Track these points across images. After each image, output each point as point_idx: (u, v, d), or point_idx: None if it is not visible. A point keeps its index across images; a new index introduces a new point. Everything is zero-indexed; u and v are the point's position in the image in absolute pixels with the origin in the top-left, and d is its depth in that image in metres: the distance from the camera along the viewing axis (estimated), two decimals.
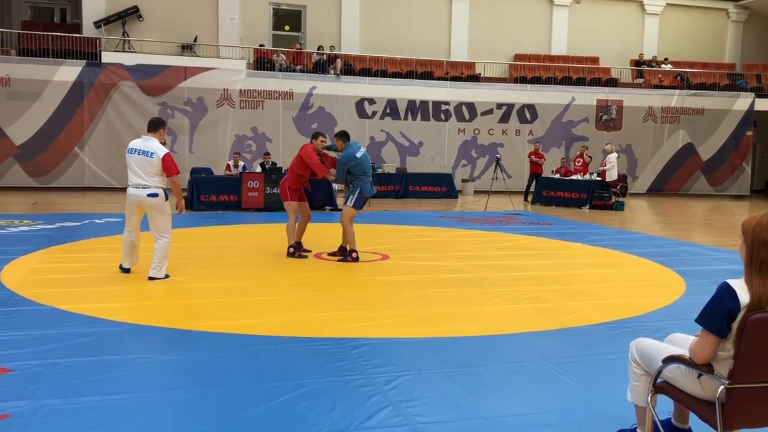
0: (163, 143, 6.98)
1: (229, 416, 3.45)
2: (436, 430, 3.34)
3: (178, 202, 7.11)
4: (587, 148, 19.22)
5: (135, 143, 6.81)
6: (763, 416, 2.73)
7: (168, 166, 6.72)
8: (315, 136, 8.66)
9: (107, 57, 18.92)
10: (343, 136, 8.45)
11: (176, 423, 3.36)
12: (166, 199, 6.80)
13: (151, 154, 6.67)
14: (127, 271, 7.08)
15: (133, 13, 20.19)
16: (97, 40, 19.52)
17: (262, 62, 20.79)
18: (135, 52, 19.61)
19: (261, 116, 20.25)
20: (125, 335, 4.88)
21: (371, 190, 8.42)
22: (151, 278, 6.76)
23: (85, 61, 18.73)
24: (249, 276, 7.16)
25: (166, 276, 6.86)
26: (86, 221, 11.50)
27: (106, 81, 18.77)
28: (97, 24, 19.93)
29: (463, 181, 21.43)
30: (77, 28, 20.54)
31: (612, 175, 17.06)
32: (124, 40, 19.91)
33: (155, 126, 6.87)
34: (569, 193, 17.61)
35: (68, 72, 18.52)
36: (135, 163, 6.71)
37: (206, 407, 3.56)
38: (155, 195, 6.69)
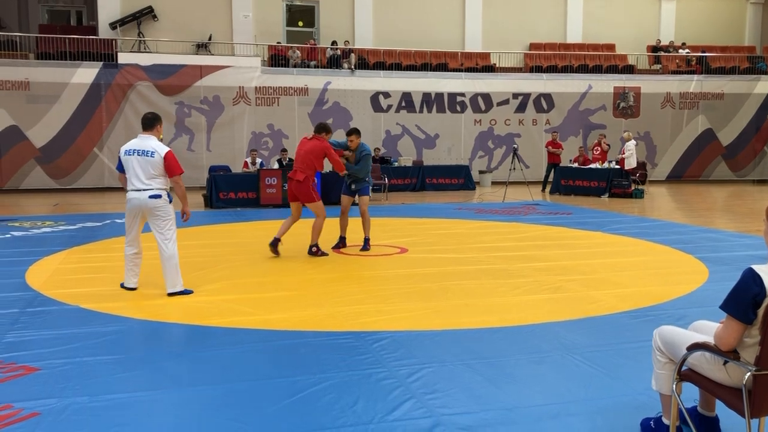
0: (161, 140, 6.32)
1: (254, 411, 3.48)
2: (460, 421, 3.35)
3: (184, 208, 6.34)
4: (605, 136, 19.05)
5: (131, 144, 6.18)
6: None
7: (171, 165, 6.11)
8: (328, 130, 8.36)
9: (123, 58, 19.08)
10: (359, 133, 8.73)
11: (202, 418, 3.39)
12: (170, 202, 6.24)
13: (152, 153, 6.07)
14: (132, 289, 6.36)
15: (148, 13, 20.33)
16: (113, 41, 19.69)
17: (277, 59, 20.85)
18: (150, 52, 19.75)
19: (277, 113, 20.32)
20: (149, 333, 4.94)
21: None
22: (170, 294, 6.13)
23: (101, 63, 18.90)
24: (269, 272, 7.20)
25: (188, 291, 6.23)
26: (107, 221, 11.63)
27: (122, 82, 18.93)
28: (113, 25, 20.10)
29: (481, 172, 21.34)
30: (93, 30, 20.74)
31: (631, 163, 16.90)
32: (140, 41, 20.05)
33: (151, 123, 6.22)
34: (588, 182, 17.48)
35: (86, 74, 18.70)
36: (135, 165, 6.08)
37: (231, 402, 3.59)
38: (157, 196, 6.09)
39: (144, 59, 19.21)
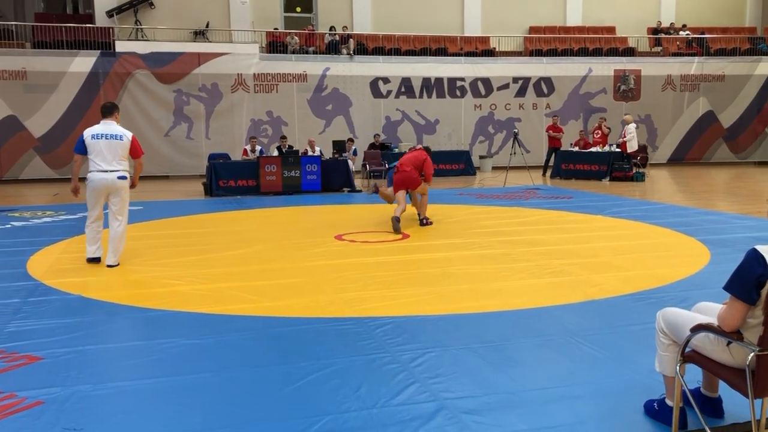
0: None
1: (258, 397, 3.48)
2: (464, 405, 3.35)
3: (134, 179, 7.05)
4: (605, 120, 18.98)
5: (97, 129, 6.78)
6: None
7: (136, 148, 6.87)
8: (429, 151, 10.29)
9: (121, 46, 18.99)
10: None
11: (206, 405, 3.40)
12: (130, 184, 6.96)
13: (121, 137, 6.75)
14: (97, 260, 6.91)
15: (145, 1, 20.20)
16: (110, 30, 19.58)
17: (275, 45, 20.74)
18: (148, 40, 19.65)
19: (276, 100, 20.25)
20: (152, 320, 4.94)
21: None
22: (110, 266, 6.73)
23: (99, 51, 18.81)
24: (271, 259, 7.20)
25: (89, 256, 6.90)
26: (106, 210, 11.58)
27: (120, 70, 18.85)
28: (110, 13, 19.99)
29: (481, 157, 21.29)
30: (90, 18, 20.62)
31: (632, 146, 16.85)
32: (137, 29, 19.94)
33: (110, 110, 6.89)
34: (589, 166, 17.44)
35: (83, 63, 18.63)
36: (104, 149, 6.66)
37: (235, 389, 3.60)
38: (124, 177, 6.79)
39: (141, 47, 19.12)
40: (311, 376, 3.74)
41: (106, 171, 6.68)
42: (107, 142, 6.68)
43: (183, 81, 19.40)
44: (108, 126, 6.78)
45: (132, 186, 7.04)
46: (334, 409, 3.33)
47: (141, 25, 20.05)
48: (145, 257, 7.37)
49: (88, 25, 19.59)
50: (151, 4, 20.34)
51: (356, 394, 3.49)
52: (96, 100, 18.69)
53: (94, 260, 6.95)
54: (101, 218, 6.94)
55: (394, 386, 3.60)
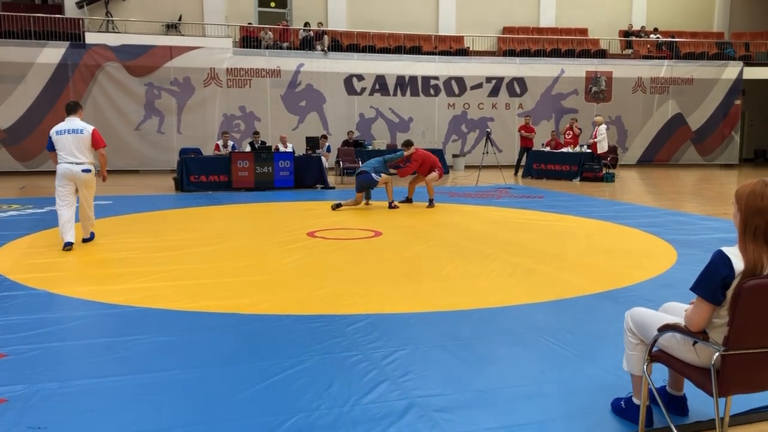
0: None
1: (227, 395, 3.45)
2: (435, 403, 3.36)
3: (103, 172, 7.78)
4: (576, 120, 19.20)
5: (61, 125, 7.47)
6: (758, 381, 2.76)
7: (96, 140, 7.47)
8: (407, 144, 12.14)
9: (91, 38, 18.67)
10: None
11: (174, 403, 3.35)
12: (97, 173, 7.67)
13: (81, 130, 7.42)
14: (70, 245, 7.30)
15: None
16: (80, 21, 19.25)
17: (249, 40, 20.58)
18: (119, 33, 19.36)
19: (249, 95, 20.09)
20: (120, 317, 4.87)
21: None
22: (85, 240, 7.71)
23: (68, 43, 18.48)
24: (242, 256, 7.14)
25: (65, 241, 7.31)
26: (75, 205, 11.40)
27: (90, 62, 18.54)
28: (80, 4, 19.64)
29: (454, 156, 21.40)
30: (59, 8, 20.23)
31: (602, 147, 17.07)
32: (108, 21, 19.62)
33: (73, 108, 7.65)
34: (560, 166, 17.63)
35: (52, 54, 18.28)
36: (68, 143, 7.34)
37: (204, 387, 3.56)
38: (88, 170, 7.46)
39: (112, 39, 18.83)
40: (282, 374, 3.72)
41: (72, 163, 7.34)
42: (69, 137, 7.36)
43: (154, 74, 19.15)
44: (71, 122, 7.47)
45: (103, 179, 7.86)
46: (304, 407, 3.31)
47: (112, 17, 19.74)
48: (113, 253, 7.27)
49: (57, 15, 19.23)
50: None
51: (327, 392, 3.48)
52: (65, 92, 18.38)
53: (69, 245, 7.30)
54: (72, 205, 7.48)
55: (365, 384, 3.59)
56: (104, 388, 3.52)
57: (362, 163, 12.14)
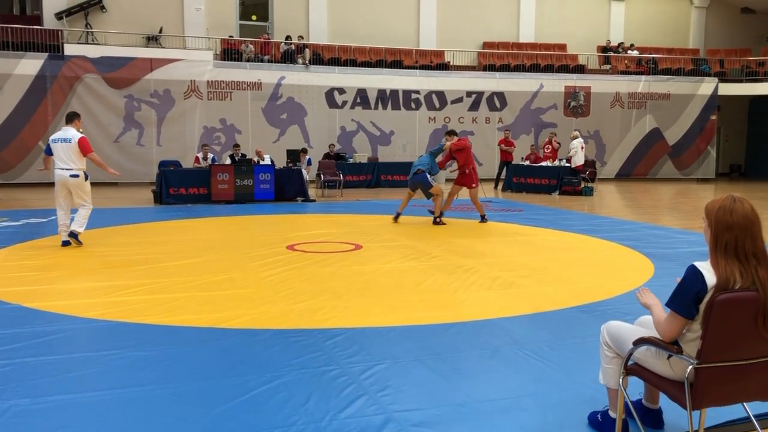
0: (79, 131, 8.46)
1: (203, 411, 3.42)
2: (412, 417, 3.36)
3: (108, 171, 8.92)
4: (555, 135, 19.39)
5: (57, 134, 8.32)
6: (730, 394, 2.79)
7: (82, 147, 8.17)
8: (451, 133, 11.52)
9: (70, 49, 18.54)
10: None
11: (150, 419, 3.32)
12: (86, 179, 8.34)
13: (69, 139, 8.18)
14: (68, 243, 8.29)
15: (96, 4, 19.79)
16: (59, 32, 19.11)
17: (230, 53, 20.56)
18: (99, 44, 19.24)
19: (229, 107, 20.04)
20: (95, 332, 4.81)
21: (410, 173, 11.35)
22: (72, 233, 8.24)
23: (47, 54, 18.33)
24: (221, 269, 7.10)
25: (80, 242, 8.30)
26: (52, 217, 11.24)
27: (69, 74, 18.40)
28: (59, 15, 19.50)
29: None
30: (38, 20, 20.08)
31: (577, 161, 17.24)
32: (87, 32, 19.51)
33: (70, 118, 8.44)
34: (539, 180, 17.78)
35: (30, 65, 18.11)
36: (60, 150, 8.17)
37: (180, 402, 3.52)
38: (76, 176, 8.19)
39: (92, 51, 18.70)
40: (259, 389, 3.70)
41: (62, 169, 8.15)
42: (60, 145, 8.18)
43: (134, 86, 19.04)
44: (64, 131, 8.27)
45: (112, 173, 9.27)
46: (281, 422, 3.29)
47: (91, 28, 19.63)
48: (90, 266, 7.19)
49: (35, 26, 19.08)
50: (103, 7, 19.94)
51: (304, 408, 3.46)
52: (43, 104, 18.20)
53: (66, 243, 8.30)
54: (67, 208, 8.40)
55: (343, 399, 3.58)
56: (79, 404, 3.47)
57: (415, 163, 11.46)
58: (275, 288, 6.22)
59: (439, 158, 11.58)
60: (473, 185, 11.27)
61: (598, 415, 3.29)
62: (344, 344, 4.51)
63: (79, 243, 8.33)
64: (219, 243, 8.94)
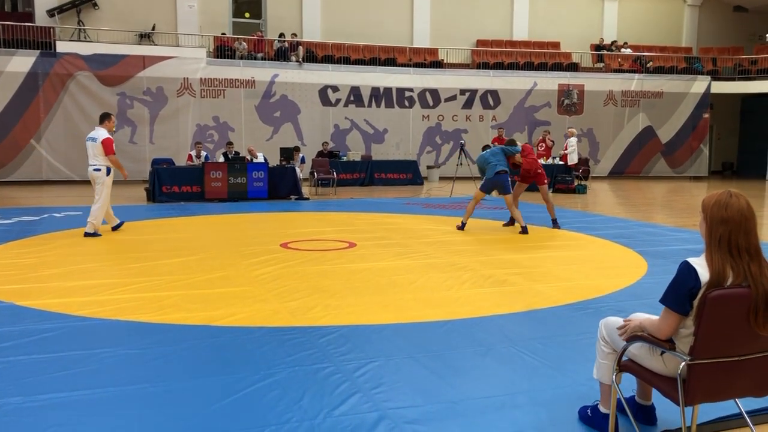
0: (113, 131, 9.47)
1: (197, 409, 3.41)
2: (406, 414, 3.36)
3: (122, 172, 9.44)
4: (549, 133, 19.43)
5: (89, 134, 9.27)
6: (722, 390, 2.80)
7: (105, 147, 9.06)
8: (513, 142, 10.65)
9: (62, 47, 18.46)
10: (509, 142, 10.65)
11: (143, 417, 3.31)
12: (107, 174, 9.17)
13: (96, 139, 9.10)
14: (117, 227, 9.55)
15: (88, 1, 19.72)
16: (51, 29, 19.02)
17: (223, 50, 20.51)
18: (91, 42, 19.16)
19: (222, 105, 20.00)
20: (88, 330, 4.79)
21: (490, 172, 10.00)
22: (87, 234, 8.98)
23: (38, 51, 18.24)
24: (214, 268, 7.08)
25: (98, 234, 9.06)
26: (45, 215, 11.25)
27: (61, 71, 18.32)
28: (51, 13, 19.42)
29: (429, 167, 21.49)
30: (29, 17, 19.98)
31: (573, 159, 17.29)
32: (80, 29, 19.42)
33: (101, 119, 9.42)
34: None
35: (21, 62, 18.03)
36: (88, 147, 9.19)
37: (174, 400, 3.52)
38: (98, 169, 9.15)
39: (84, 48, 18.63)
40: (252, 387, 3.69)
41: (89, 165, 9.21)
42: (89, 143, 9.20)
43: (127, 84, 18.98)
44: (95, 131, 9.24)
45: (124, 177, 9.79)
46: (275, 420, 3.29)
47: (84, 25, 19.55)
48: (82, 264, 7.16)
49: (27, 23, 18.99)
50: (95, 4, 19.87)
51: (298, 405, 3.46)
52: (34, 101, 18.12)
53: (116, 228, 9.56)
54: (102, 200, 9.22)
55: (337, 396, 3.58)
56: (71, 403, 3.46)
57: (491, 160, 10.07)
58: (269, 286, 6.21)
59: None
60: (544, 181, 10.83)
61: (588, 410, 3.31)
62: (338, 342, 4.51)
63: (95, 235, 9.06)
64: (212, 241, 8.92)
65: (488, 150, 10.47)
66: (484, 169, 10.17)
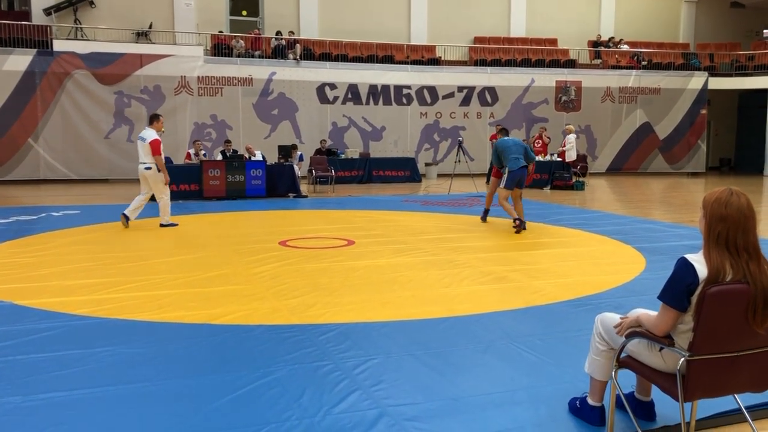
0: (162, 131, 10.04)
1: (197, 407, 3.41)
2: (406, 412, 3.36)
3: (165, 175, 9.75)
4: (546, 129, 19.45)
5: (140, 133, 9.88)
6: (722, 386, 2.81)
7: (151, 149, 9.59)
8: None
9: (59, 45, 18.42)
10: (501, 131, 10.68)
11: (142, 416, 3.31)
12: (158, 172, 9.69)
13: (144, 139, 9.70)
14: (126, 219, 9.75)
15: None
16: (48, 28, 18.98)
17: (220, 48, 20.49)
18: (88, 40, 19.12)
19: (220, 103, 19.98)
20: (87, 329, 4.79)
21: (514, 165, 9.58)
22: (162, 225, 9.79)
23: (35, 50, 18.20)
24: (213, 266, 7.08)
25: (174, 224, 9.93)
26: (43, 214, 11.24)
27: (59, 70, 18.28)
28: (47, 11, 19.38)
29: (427, 164, 21.49)
30: (26, 15, 19.93)
31: (571, 156, 17.30)
32: (77, 28, 19.38)
33: (150, 120, 9.98)
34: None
35: (18, 61, 17.99)
36: (138, 147, 9.77)
37: (174, 399, 3.51)
38: (149, 168, 9.68)
39: (81, 47, 18.60)
40: (252, 385, 3.69)
41: (140, 163, 9.76)
42: (139, 143, 9.77)
43: (124, 82, 18.95)
44: (145, 132, 9.79)
45: (165, 183, 9.80)
46: (275, 417, 3.29)
47: (81, 24, 19.51)
48: (80, 263, 7.16)
49: (24, 22, 18.94)
50: (92, 3, 19.83)
51: (298, 403, 3.46)
52: (32, 100, 18.09)
53: (167, 225, 9.89)
54: (145, 195, 9.91)
55: (337, 394, 3.58)
56: (71, 402, 3.46)
57: (515, 152, 9.65)
58: (267, 284, 6.21)
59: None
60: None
61: (577, 402, 3.33)
62: (337, 339, 4.51)
63: (172, 225, 9.88)
64: (210, 239, 8.91)
65: (511, 138, 9.99)
66: (502, 156, 9.70)
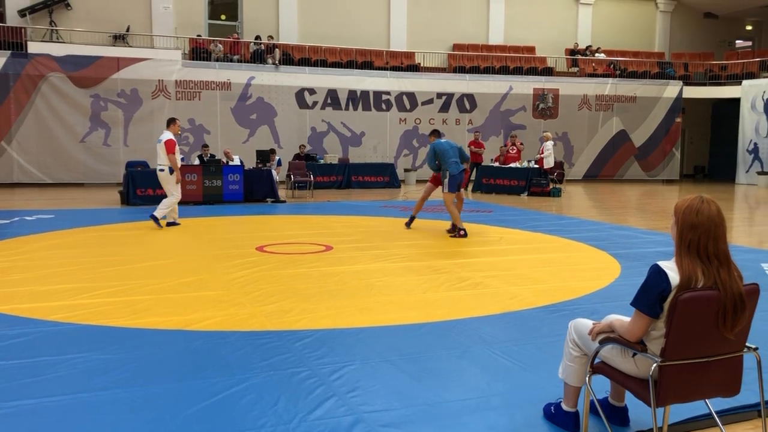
0: (179, 134, 10.66)
1: (171, 414, 3.38)
2: (381, 418, 3.36)
3: (177, 173, 10.38)
4: (517, 136, 19.60)
5: (159, 137, 10.46)
6: (693, 391, 2.85)
7: (167, 148, 10.19)
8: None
9: (34, 47, 18.19)
10: (434, 133, 10.47)
11: (116, 423, 3.27)
12: (171, 173, 10.33)
13: (160, 140, 10.33)
14: (173, 224, 10.48)
15: (61, 1, 19.45)
16: (23, 30, 18.73)
17: (198, 52, 20.37)
18: (64, 42, 18.91)
19: (198, 107, 19.85)
20: (60, 335, 4.72)
21: (455, 169, 9.67)
22: (151, 216, 10.17)
23: (9, 52, 17.95)
24: (188, 271, 7.02)
25: (167, 221, 10.38)
26: (16, 218, 11.07)
27: (33, 72, 18.04)
28: (22, 13, 19.13)
29: (406, 170, 21.53)
30: (0, 16, 19.65)
31: (549, 163, 17.45)
32: (52, 30, 19.15)
33: (167, 123, 10.59)
34: (508, 181, 17.93)
35: None
36: (157, 149, 10.34)
37: (147, 406, 3.48)
38: (162, 170, 10.40)
39: (57, 49, 18.38)
40: (227, 392, 3.67)
41: (158, 165, 10.43)
42: (158, 145, 10.35)
43: (101, 86, 18.76)
44: (163, 134, 10.38)
45: (176, 181, 10.41)
46: (250, 424, 3.27)
47: (56, 26, 19.28)
48: (54, 268, 7.06)
49: None
50: (68, 5, 19.60)
51: (273, 410, 3.44)
52: (5, 103, 17.83)
53: (170, 224, 10.44)
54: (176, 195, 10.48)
55: (312, 401, 3.57)
56: (43, 409, 3.41)
57: (452, 157, 9.75)
58: (244, 290, 6.17)
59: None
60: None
61: (552, 407, 3.36)
62: (313, 346, 4.50)
63: (159, 227, 10.12)
64: (187, 244, 8.84)
65: (446, 141, 10.03)
66: (439, 159, 9.73)
